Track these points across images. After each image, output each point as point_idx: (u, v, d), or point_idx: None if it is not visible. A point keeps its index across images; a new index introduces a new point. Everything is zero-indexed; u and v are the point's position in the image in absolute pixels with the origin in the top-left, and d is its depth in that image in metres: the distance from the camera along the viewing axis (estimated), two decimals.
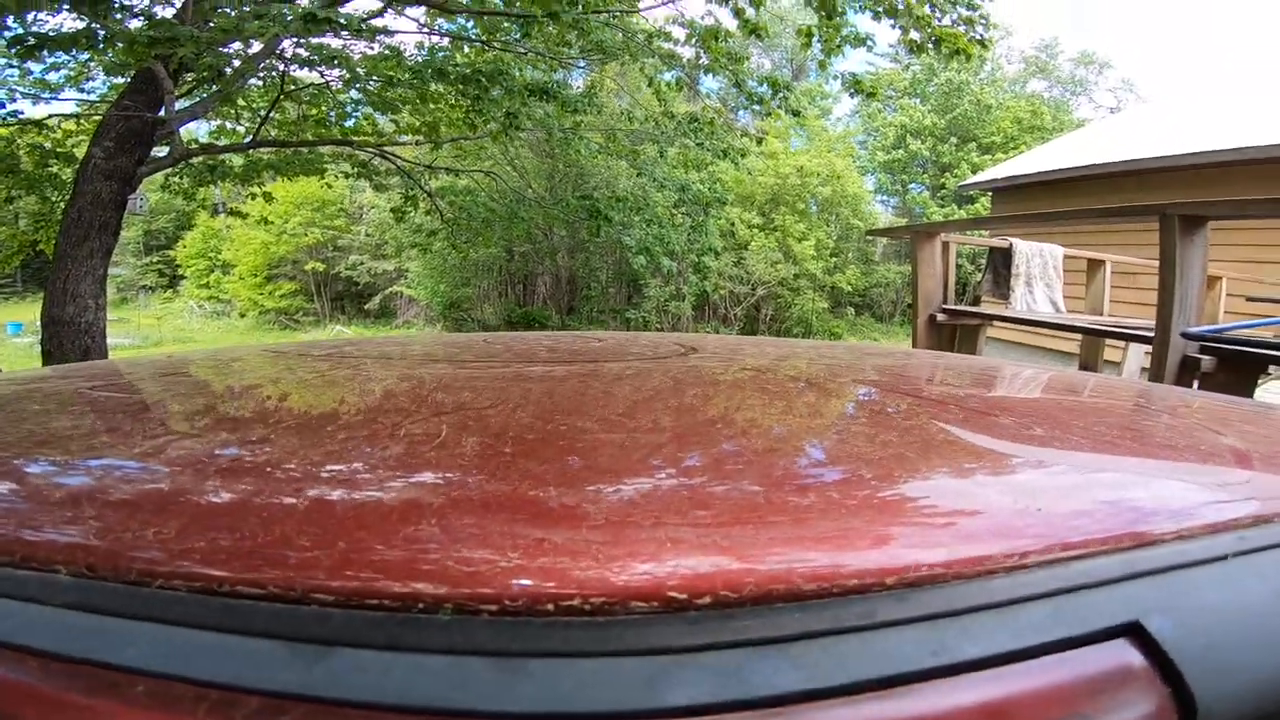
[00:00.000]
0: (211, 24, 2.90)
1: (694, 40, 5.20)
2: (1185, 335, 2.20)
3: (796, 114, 6.59)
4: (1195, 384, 2.49)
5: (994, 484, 0.37)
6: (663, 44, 5.30)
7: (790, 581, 0.24)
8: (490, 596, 0.22)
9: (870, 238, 15.13)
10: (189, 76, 4.00)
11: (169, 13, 3.39)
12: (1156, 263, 4.99)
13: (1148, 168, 7.16)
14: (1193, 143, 7.02)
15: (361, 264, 15.77)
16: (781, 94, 5.83)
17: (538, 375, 0.66)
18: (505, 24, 5.06)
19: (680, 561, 0.24)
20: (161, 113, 3.47)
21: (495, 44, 5.20)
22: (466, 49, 5.35)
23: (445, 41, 5.28)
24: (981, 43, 5.24)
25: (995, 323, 4.11)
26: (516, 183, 7.00)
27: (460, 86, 4.25)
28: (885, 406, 0.59)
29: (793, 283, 14.23)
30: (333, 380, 0.68)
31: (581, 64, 6.14)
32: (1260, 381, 3.67)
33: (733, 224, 14.07)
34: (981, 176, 11.05)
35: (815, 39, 5.43)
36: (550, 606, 0.22)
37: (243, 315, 16.60)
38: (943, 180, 20.28)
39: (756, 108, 6.00)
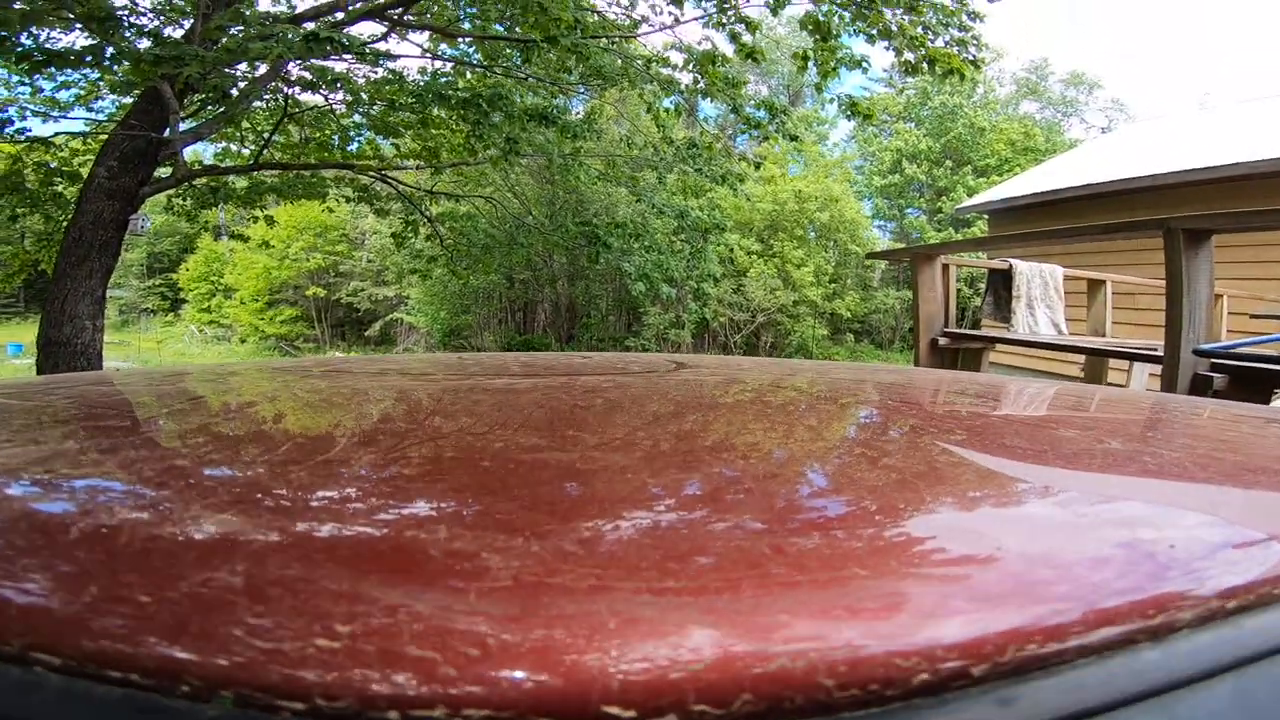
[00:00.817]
0: (218, 45, 2.93)
1: (691, 65, 5.28)
2: (1197, 352, 2.16)
3: (794, 138, 6.67)
4: None
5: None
6: (661, 69, 5.38)
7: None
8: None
9: (869, 263, 15.22)
10: (195, 97, 4.05)
11: (178, 34, 3.43)
12: (1156, 282, 5.00)
13: (1141, 186, 7.22)
14: (1184, 160, 7.10)
15: (362, 290, 15.83)
16: (778, 119, 5.90)
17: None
18: (506, 49, 5.14)
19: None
20: (166, 133, 3.49)
21: (497, 69, 5.27)
22: (469, 74, 5.43)
23: (448, 66, 5.36)
24: (974, 63, 5.33)
25: (998, 346, 4.08)
26: (517, 209, 7.06)
27: (461, 111, 4.30)
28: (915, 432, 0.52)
29: (792, 309, 14.26)
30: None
31: (582, 90, 6.23)
32: (1273, 399, 3.63)
33: (732, 250, 14.15)
34: (978, 199, 11.14)
35: (811, 62, 5.53)
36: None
37: (243, 341, 16.60)
38: (939, 204, 20.50)
39: (754, 133, 6.08)
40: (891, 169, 22.44)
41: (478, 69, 5.23)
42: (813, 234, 16.01)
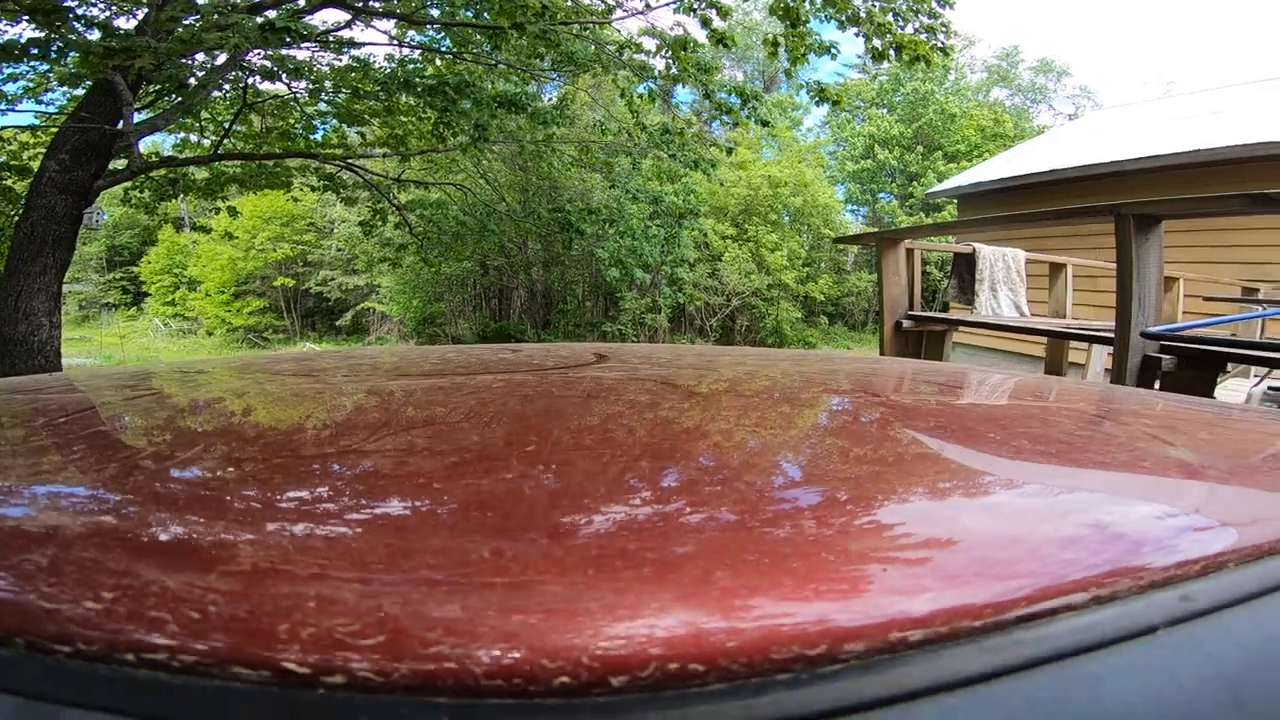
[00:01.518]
0: (172, 35, 2.84)
1: (664, 51, 5.26)
2: (1145, 335, 2.25)
3: (765, 124, 6.69)
4: (1157, 384, 2.56)
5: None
6: (635, 55, 5.35)
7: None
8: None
9: (841, 247, 15.38)
10: (150, 88, 3.92)
11: (131, 24, 3.32)
12: (1114, 265, 5.14)
13: (1106, 172, 7.40)
14: (1146, 147, 7.28)
15: (332, 279, 15.55)
16: (750, 104, 5.92)
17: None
18: (476, 36, 5.06)
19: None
20: (120, 125, 3.39)
21: (466, 56, 5.19)
22: (438, 61, 5.33)
23: (416, 54, 5.26)
24: (943, 50, 5.39)
25: (961, 328, 4.18)
26: (489, 196, 6.99)
27: (428, 98, 4.23)
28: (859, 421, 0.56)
29: (766, 293, 14.38)
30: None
31: (555, 76, 6.16)
32: (1219, 380, 3.78)
33: (705, 235, 14.19)
34: (947, 184, 11.32)
35: (782, 49, 5.54)
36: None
37: (210, 333, 16.23)
38: (910, 189, 20.74)
39: (726, 118, 6.09)
40: (864, 154, 22.63)
41: (447, 56, 5.14)
42: (786, 218, 16.12)
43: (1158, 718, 0.20)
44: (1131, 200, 2.43)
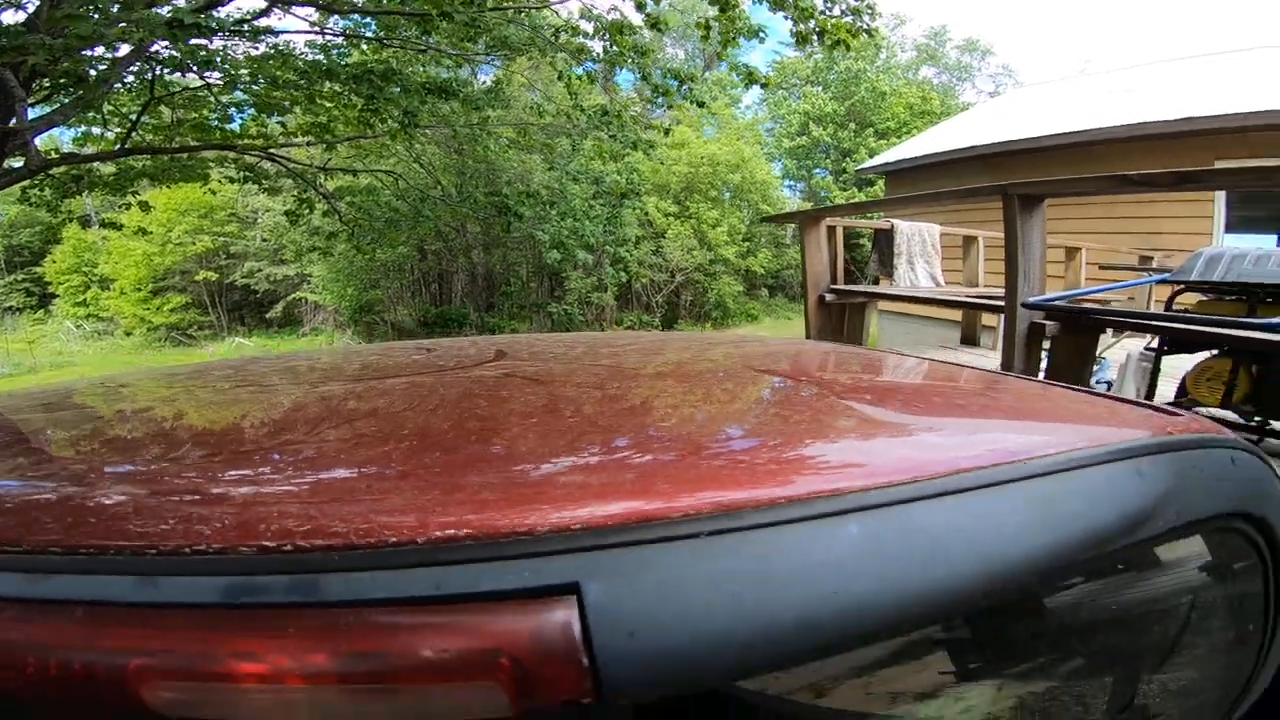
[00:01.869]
0: (67, 30, 2.69)
1: (602, 34, 5.27)
2: (1025, 305, 2.50)
3: (701, 104, 6.80)
4: (1046, 347, 2.83)
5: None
6: (572, 38, 5.33)
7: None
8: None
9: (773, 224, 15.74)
10: (45, 82, 3.69)
11: (21, 17, 3.12)
12: (994, 234, 5.55)
13: (1020, 149, 7.84)
14: (1061, 124, 7.73)
15: (259, 270, 14.88)
16: (686, 86, 6.00)
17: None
18: (404, 21, 4.94)
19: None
20: (13, 123, 3.20)
21: (395, 41, 5.06)
22: (364, 47, 5.18)
23: (340, 40, 5.10)
24: (868, 32, 5.59)
25: (881, 300, 4.42)
26: (423, 180, 6.85)
27: (352, 86, 4.13)
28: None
29: (709, 268, 14.63)
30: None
31: (490, 60, 6.08)
32: (1115, 340, 4.13)
33: (647, 214, 14.29)
34: (875, 161, 11.73)
35: (714, 31, 5.65)
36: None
37: (129, 333, 15.32)
38: (843, 165, 21.30)
39: (661, 100, 6.16)
40: (800, 131, 23.06)
41: (373, 41, 5.01)
42: (727, 195, 16.36)
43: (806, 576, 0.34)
44: (1044, 178, 2.66)
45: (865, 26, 5.55)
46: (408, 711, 0.29)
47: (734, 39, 5.63)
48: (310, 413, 0.66)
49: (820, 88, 23.71)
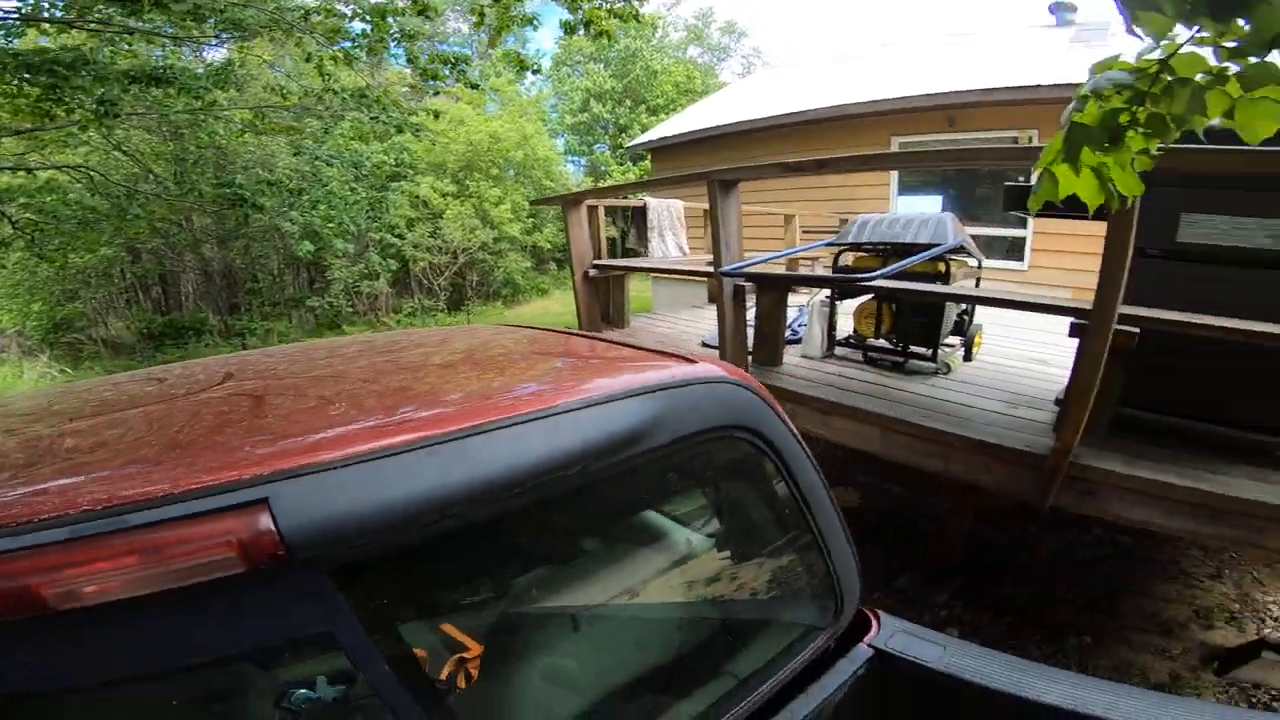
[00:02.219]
0: None
1: (364, 17, 4.96)
2: (721, 273, 3.05)
3: (475, 86, 6.71)
4: (751, 304, 3.44)
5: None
6: (326, 19, 4.92)
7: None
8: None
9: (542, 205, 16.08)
10: None
11: None
12: (759, 209, 6.44)
13: (762, 126, 8.90)
14: (802, 103, 8.87)
15: None
16: (459, 68, 5.92)
17: None
18: (101, 2, 4.14)
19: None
20: None
21: (91, 24, 4.21)
22: (48, 28, 4.25)
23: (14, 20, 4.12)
24: (635, 17, 5.96)
25: (632, 272, 4.85)
26: (128, 171, 5.83)
27: (25, 76, 3.42)
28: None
29: (493, 246, 14.48)
30: None
31: (219, 41, 5.34)
32: (814, 296, 5.01)
33: (419, 196, 13.63)
34: (642, 138, 12.48)
35: (488, 19, 5.64)
36: None
37: None
38: (620, 140, 22.26)
39: (431, 84, 6.01)
40: (581, 107, 23.53)
41: (59, 23, 4.13)
42: (510, 172, 16.21)
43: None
44: (786, 153, 3.17)
45: (636, 12, 5.94)
46: (194, 570, 0.55)
47: (509, 25, 5.70)
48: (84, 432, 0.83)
49: (602, 65, 24.35)
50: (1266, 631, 3.03)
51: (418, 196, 13.40)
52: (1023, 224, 6.59)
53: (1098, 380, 1.91)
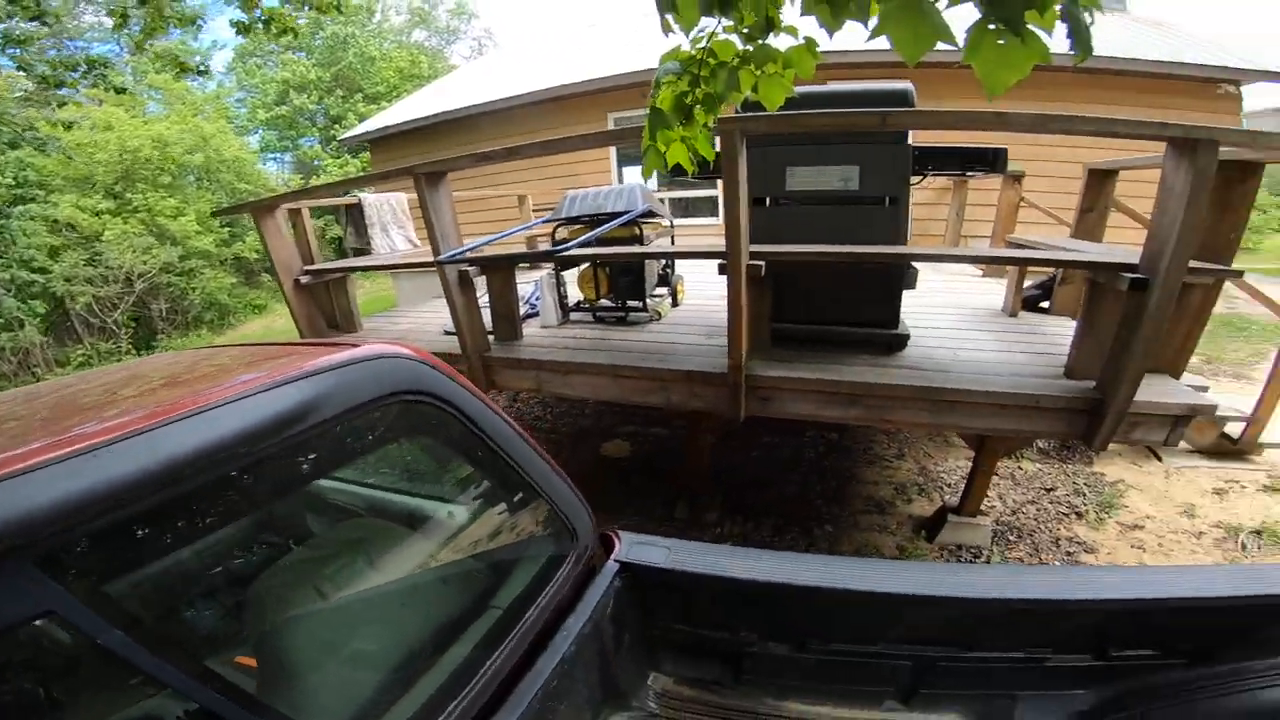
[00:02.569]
0: None
1: None
2: (439, 261, 3.09)
3: (122, 90, 5.72)
4: (482, 287, 3.53)
5: None
6: None
7: None
8: None
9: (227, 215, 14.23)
10: None
11: None
12: (492, 192, 6.47)
13: (486, 111, 8.80)
14: (522, 85, 8.88)
15: None
16: (97, 72, 5.00)
17: None
18: None
19: None
20: None
21: None
22: None
23: None
24: (337, 7, 5.42)
25: (353, 272, 4.57)
26: None
27: None
28: None
29: (181, 266, 12.23)
30: None
31: None
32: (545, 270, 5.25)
33: (56, 220, 10.78)
34: (357, 130, 11.51)
35: (130, 22, 4.82)
36: None
37: None
38: (333, 132, 20.26)
39: (59, 92, 4.97)
40: (279, 100, 20.99)
41: None
42: (191, 179, 13.77)
43: None
44: (422, 162, 3.15)
45: (336, 2, 5.44)
46: None
47: (162, 27, 4.89)
48: None
49: (304, 54, 21.79)
50: (946, 499, 3.90)
51: (55, 220, 10.60)
52: (714, 185, 7.62)
53: (744, 304, 2.41)
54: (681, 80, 1.47)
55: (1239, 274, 2.22)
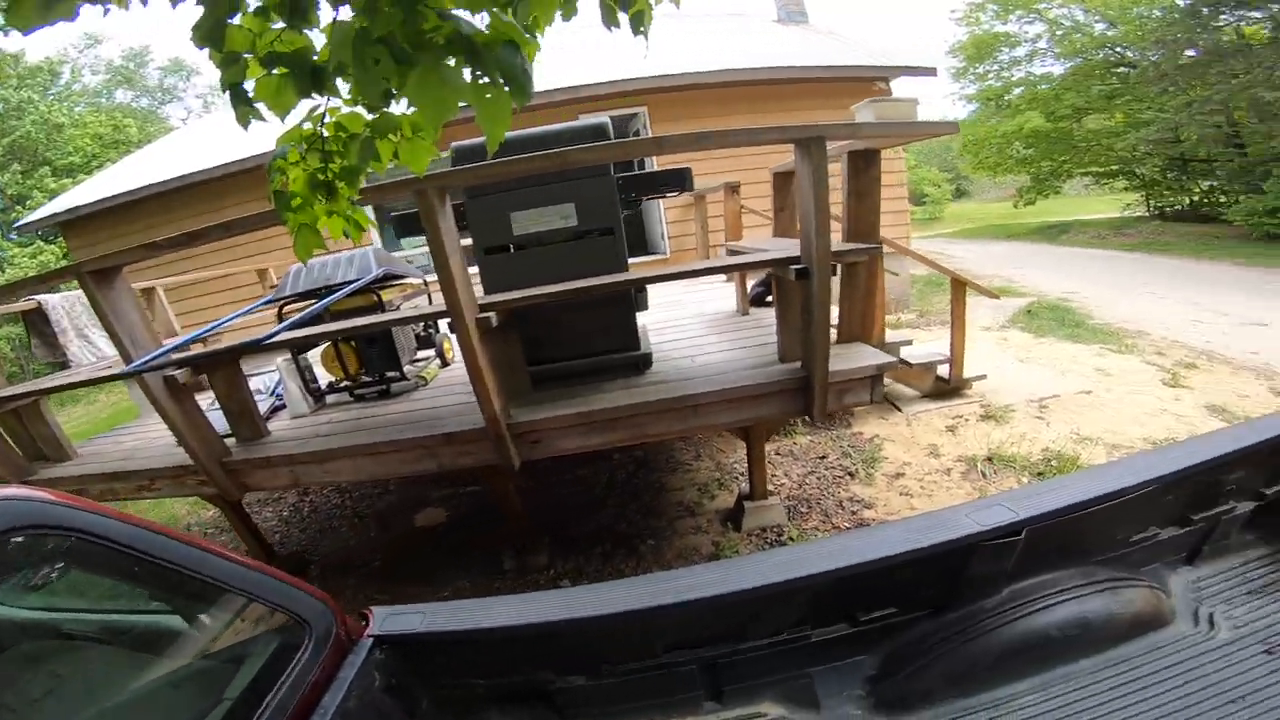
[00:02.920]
0: None
1: None
2: (130, 372, 2.64)
3: None
4: (205, 389, 3.08)
5: None
6: None
7: None
8: None
9: None
10: None
11: None
12: (235, 269, 5.75)
13: (203, 180, 7.74)
14: (216, 158, 7.95)
15: None
16: None
17: None
18: None
19: None
20: None
21: None
22: None
23: None
24: None
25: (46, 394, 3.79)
26: None
27: None
28: None
29: None
30: None
31: None
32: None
33: None
34: (41, 212, 9.50)
35: None
36: None
37: None
38: (16, 214, 16.72)
39: None
40: None
41: None
42: None
43: None
44: (96, 257, 2.68)
45: None
46: None
47: None
48: None
49: None
50: (741, 488, 4.11)
51: None
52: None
53: (479, 358, 2.38)
54: (310, 158, 1.40)
55: (878, 249, 2.67)
